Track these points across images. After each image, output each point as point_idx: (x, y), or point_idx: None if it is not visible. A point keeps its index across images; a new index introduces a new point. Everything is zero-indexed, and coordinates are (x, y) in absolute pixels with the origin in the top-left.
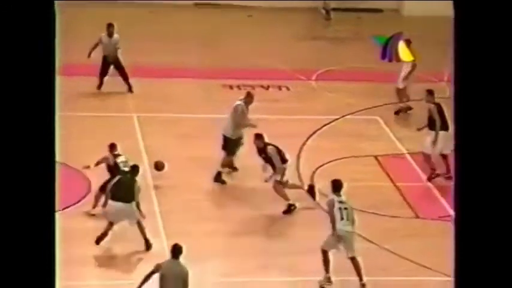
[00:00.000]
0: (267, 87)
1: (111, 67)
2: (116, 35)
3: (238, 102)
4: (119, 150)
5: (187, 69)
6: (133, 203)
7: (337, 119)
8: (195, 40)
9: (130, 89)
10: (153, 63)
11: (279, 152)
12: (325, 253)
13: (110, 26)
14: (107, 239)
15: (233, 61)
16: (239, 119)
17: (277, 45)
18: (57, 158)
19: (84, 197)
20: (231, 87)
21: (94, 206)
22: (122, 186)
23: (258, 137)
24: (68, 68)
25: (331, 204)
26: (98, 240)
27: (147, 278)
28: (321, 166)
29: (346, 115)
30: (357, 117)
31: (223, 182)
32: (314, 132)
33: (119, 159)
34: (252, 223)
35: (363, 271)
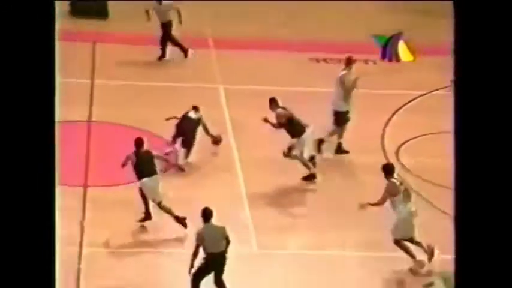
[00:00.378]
0: (354, 61)
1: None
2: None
3: (343, 72)
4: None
5: (275, 42)
6: (158, 176)
7: (424, 94)
8: (282, 12)
9: (162, 56)
10: (240, 35)
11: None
12: (400, 244)
13: None
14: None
15: (320, 34)
16: (349, 88)
17: (364, 18)
18: (145, 127)
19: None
20: (317, 60)
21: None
22: (144, 162)
23: (272, 101)
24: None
25: (395, 188)
26: (180, 221)
27: (196, 253)
28: (406, 142)
29: (433, 90)
30: (445, 92)
31: (346, 152)
32: (400, 108)
33: (191, 112)
34: (335, 197)
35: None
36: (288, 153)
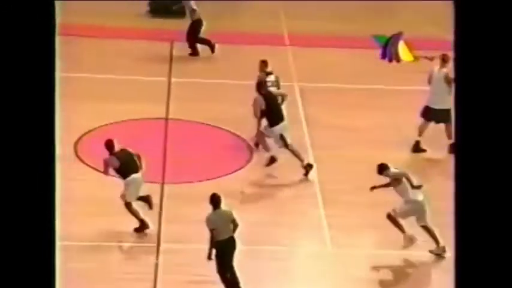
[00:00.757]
0: (431, 59)
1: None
2: None
3: (444, 70)
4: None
5: (351, 39)
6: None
7: None
8: (360, 9)
9: (213, 50)
10: (315, 31)
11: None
12: (391, 218)
13: None
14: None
15: (399, 30)
16: (450, 86)
17: (445, 14)
18: (222, 125)
19: (247, 163)
20: None
21: (258, 127)
22: (126, 160)
23: (259, 85)
24: (226, 37)
25: (398, 177)
26: (143, 227)
27: (212, 243)
28: None
29: None
30: None
31: (423, 150)
32: None
33: (268, 78)
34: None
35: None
36: (286, 145)
